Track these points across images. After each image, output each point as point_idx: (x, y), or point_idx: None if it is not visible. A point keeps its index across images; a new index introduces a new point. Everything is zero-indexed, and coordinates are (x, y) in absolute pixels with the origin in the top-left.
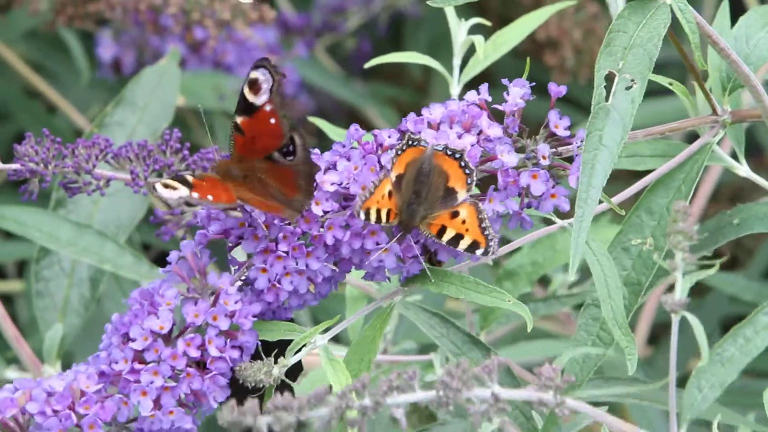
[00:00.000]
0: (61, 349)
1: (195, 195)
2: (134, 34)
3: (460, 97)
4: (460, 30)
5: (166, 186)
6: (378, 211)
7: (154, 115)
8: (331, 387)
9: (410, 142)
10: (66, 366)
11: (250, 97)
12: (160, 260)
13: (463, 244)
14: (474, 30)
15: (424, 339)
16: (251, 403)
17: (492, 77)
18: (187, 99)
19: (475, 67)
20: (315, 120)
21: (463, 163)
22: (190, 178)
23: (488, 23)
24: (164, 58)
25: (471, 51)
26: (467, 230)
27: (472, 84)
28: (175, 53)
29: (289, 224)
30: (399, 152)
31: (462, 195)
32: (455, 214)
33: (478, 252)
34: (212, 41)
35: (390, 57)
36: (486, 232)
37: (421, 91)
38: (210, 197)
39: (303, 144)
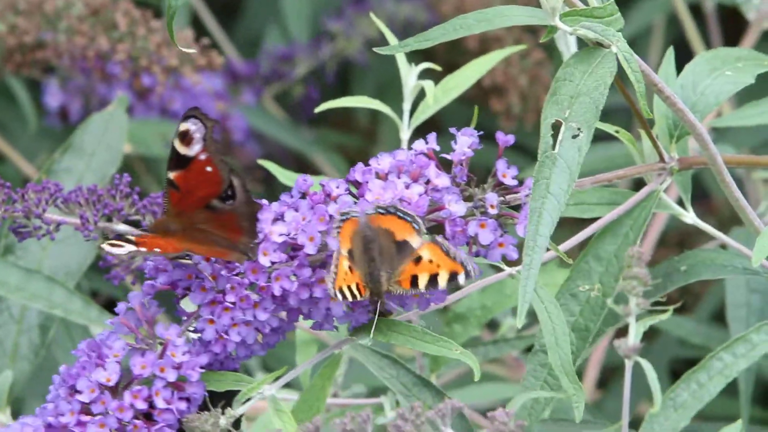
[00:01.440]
0: (11, 395)
1: (142, 249)
2: (81, 82)
3: (410, 142)
4: (410, 75)
5: (112, 245)
6: (350, 288)
7: (102, 161)
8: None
9: (343, 217)
10: (15, 412)
11: (182, 149)
12: (109, 306)
13: (442, 280)
14: (421, 76)
15: (373, 382)
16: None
17: (439, 123)
18: (134, 146)
19: (424, 112)
20: (264, 163)
21: (400, 214)
22: (132, 238)
23: (438, 68)
24: (112, 104)
25: (419, 97)
26: (439, 266)
27: (421, 129)
28: (122, 100)
29: (237, 275)
30: (338, 230)
31: (416, 241)
32: (419, 259)
33: (461, 279)
34: (160, 87)
35: (341, 101)
36: (458, 259)
37: (368, 138)
38: (157, 249)
39: (242, 184)
